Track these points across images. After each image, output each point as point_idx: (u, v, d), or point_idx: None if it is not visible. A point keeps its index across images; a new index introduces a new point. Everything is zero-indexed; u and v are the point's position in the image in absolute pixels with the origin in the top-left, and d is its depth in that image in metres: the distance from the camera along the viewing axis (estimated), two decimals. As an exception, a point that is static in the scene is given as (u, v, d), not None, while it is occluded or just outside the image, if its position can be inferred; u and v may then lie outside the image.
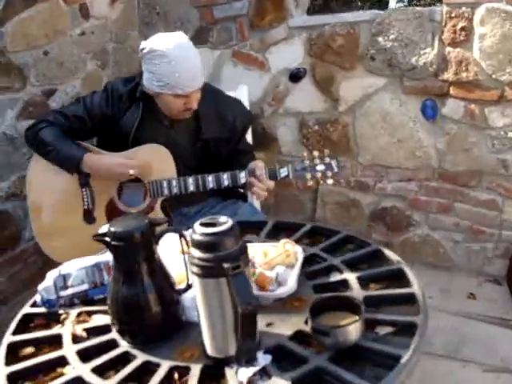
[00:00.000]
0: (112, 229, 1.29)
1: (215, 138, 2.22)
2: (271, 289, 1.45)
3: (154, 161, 2.13)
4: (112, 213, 2.16)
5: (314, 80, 2.88)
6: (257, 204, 2.55)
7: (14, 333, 1.43)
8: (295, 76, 2.90)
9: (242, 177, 2.09)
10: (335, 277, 1.53)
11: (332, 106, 2.89)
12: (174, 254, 1.52)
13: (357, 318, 1.25)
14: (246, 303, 1.16)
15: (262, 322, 1.33)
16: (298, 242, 1.67)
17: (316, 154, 2.09)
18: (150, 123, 2.16)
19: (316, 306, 1.28)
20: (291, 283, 1.45)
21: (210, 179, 2.10)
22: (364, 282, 1.48)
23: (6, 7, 2.51)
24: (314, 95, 2.91)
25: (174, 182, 2.11)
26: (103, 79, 3.04)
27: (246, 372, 1.20)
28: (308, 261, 1.60)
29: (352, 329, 1.22)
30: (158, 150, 2.13)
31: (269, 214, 3.23)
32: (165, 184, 2.12)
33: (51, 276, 1.54)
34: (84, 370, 1.25)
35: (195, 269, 1.19)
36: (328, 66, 2.82)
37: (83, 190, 2.15)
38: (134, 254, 1.29)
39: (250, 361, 1.22)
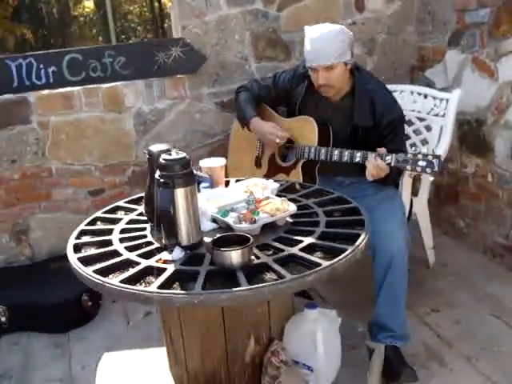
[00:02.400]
0: (150, 149, 2.00)
1: (364, 126, 2.55)
2: (242, 223, 1.93)
3: (305, 129, 2.64)
4: (271, 163, 2.80)
5: (533, 97, 2.78)
6: (406, 196, 2.74)
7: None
8: (518, 90, 2.84)
9: (358, 156, 2.43)
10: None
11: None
12: (239, 190, 2.17)
13: (242, 247, 1.67)
14: (161, 209, 1.76)
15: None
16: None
17: (423, 151, 2.25)
18: (312, 98, 2.65)
19: (222, 240, 1.75)
20: (255, 225, 1.90)
21: (336, 153, 2.51)
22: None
23: (286, -2, 3.31)
24: (531, 113, 2.81)
25: (312, 149, 2.59)
26: (368, 64, 3.55)
27: (165, 255, 1.81)
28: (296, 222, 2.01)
29: (232, 254, 1.66)
30: (308, 122, 2.62)
31: (478, 218, 3.27)
32: (306, 149, 2.61)
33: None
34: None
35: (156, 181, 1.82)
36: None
37: (258, 142, 2.84)
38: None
39: (172, 251, 1.81)
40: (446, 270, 3.19)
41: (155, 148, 1.98)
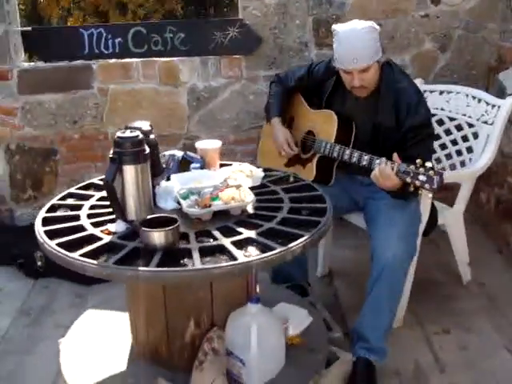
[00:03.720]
0: (128, 125, 2.07)
1: (385, 126, 2.42)
2: (195, 207, 1.95)
3: (326, 124, 2.56)
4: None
5: None
6: (425, 205, 2.54)
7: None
8: None
9: (377, 163, 2.28)
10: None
11: None
12: (223, 174, 2.19)
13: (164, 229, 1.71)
14: (105, 180, 1.84)
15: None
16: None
17: (428, 165, 2.08)
18: (339, 94, 2.56)
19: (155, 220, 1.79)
20: (203, 211, 1.92)
21: (347, 152, 2.42)
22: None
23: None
24: None
25: (328, 145, 2.51)
26: (439, 61, 3.32)
27: (111, 226, 1.89)
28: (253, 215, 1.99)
29: (153, 234, 1.71)
30: (329, 116, 2.54)
31: None
32: (323, 144, 2.55)
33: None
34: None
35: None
36: None
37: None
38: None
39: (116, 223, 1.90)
40: (480, 290, 2.94)
41: (135, 125, 2.07)
